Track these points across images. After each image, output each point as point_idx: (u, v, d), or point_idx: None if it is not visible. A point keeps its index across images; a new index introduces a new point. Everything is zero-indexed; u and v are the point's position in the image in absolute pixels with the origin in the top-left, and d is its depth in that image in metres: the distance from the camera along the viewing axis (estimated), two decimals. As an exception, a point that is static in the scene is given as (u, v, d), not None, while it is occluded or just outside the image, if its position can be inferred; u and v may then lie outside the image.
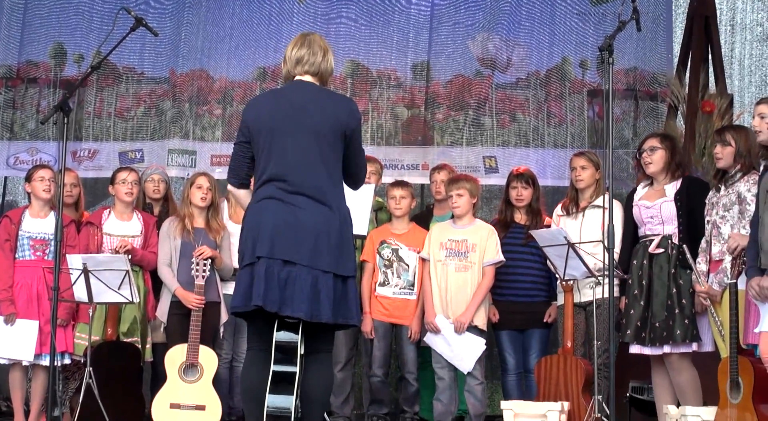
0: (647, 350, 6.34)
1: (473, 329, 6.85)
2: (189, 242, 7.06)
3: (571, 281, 6.60)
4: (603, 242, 5.88)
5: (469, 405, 6.94)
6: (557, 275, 6.63)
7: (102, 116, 8.98)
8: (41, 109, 8.91)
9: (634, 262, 6.44)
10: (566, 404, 6.32)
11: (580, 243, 6.43)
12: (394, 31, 8.97)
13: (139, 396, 6.96)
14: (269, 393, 4.79)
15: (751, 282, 5.37)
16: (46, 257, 6.88)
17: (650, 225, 6.45)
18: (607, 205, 5.84)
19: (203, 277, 6.90)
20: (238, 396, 7.14)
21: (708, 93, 8.30)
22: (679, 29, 8.89)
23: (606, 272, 5.82)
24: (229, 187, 5.11)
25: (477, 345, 6.79)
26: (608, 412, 5.84)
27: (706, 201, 6.25)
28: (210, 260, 6.96)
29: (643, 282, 6.37)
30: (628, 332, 6.35)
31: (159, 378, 6.99)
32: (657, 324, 6.28)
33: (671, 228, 6.38)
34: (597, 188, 6.97)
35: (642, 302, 6.35)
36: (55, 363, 6.37)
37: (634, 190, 6.69)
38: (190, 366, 6.76)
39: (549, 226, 7.05)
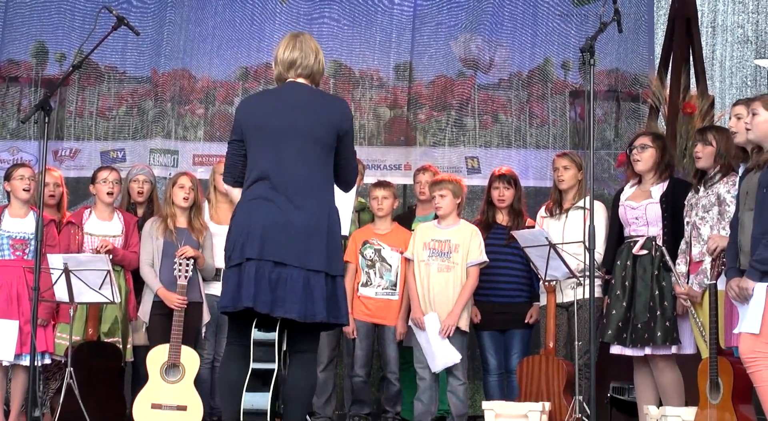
0: (628, 351, 6.36)
1: (456, 330, 6.85)
2: (171, 241, 7.05)
3: (553, 282, 6.62)
4: (584, 243, 5.89)
5: (451, 405, 6.95)
6: (539, 276, 6.64)
7: (83, 115, 8.95)
8: (22, 108, 8.87)
9: (618, 262, 6.46)
10: (547, 405, 6.33)
11: (561, 244, 6.45)
12: (376, 31, 8.97)
13: (120, 396, 6.94)
14: (246, 391, 4.80)
15: (731, 283, 5.39)
16: (25, 257, 6.84)
17: (635, 226, 6.47)
18: (588, 206, 5.85)
19: (186, 277, 6.89)
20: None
21: (689, 94, 8.33)
22: (661, 31, 8.93)
23: (587, 273, 5.84)
24: (225, 186, 5.11)
25: (451, 356, 6.80)
26: (589, 412, 5.86)
27: (686, 202, 6.28)
28: (192, 260, 6.95)
29: (626, 283, 6.39)
30: (609, 332, 6.37)
31: (140, 378, 6.98)
32: (639, 325, 6.30)
33: (656, 230, 6.40)
34: (580, 189, 6.99)
35: (624, 303, 6.37)
36: (36, 363, 6.35)
37: (622, 190, 6.71)
38: (172, 366, 6.75)
39: (531, 227, 7.07)
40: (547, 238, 6.43)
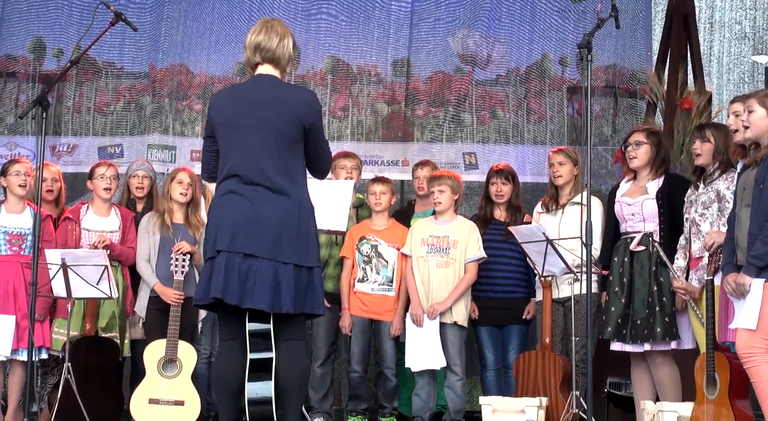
0: (629, 348, 6.37)
1: (453, 325, 6.86)
2: (168, 237, 7.05)
3: (550, 277, 6.63)
4: (581, 238, 5.90)
5: (449, 401, 6.96)
6: (536, 271, 6.65)
7: (81, 111, 8.95)
8: (20, 103, 8.87)
9: (615, 259, 6.46)
10: (544, 400, 6.34)
11: (558, 239, 6.45)
12: (374, 27, 8.98)
13: (117, 391, 6.95)
14: (248, 381, 4.84)
15: (728, 279, 5.40)
16: (22, 252, 6.84)
17: (631, 222, 6.48)
18: (585, 201, 5.86)
19: (182, 272, 6.89)
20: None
21: (687, 90, 8.35)
22: (659, 27, 8.94)
23: (584, 268, 5.85)
24: (204, 181, 5.19)
25: (437, 361, 6.81)
26: (586, 407, 5.87)
27: (685, 198, 6.28)
28: (189, 256, 6.95)
29: (624, 279, 6.40)
30: (609, 329, 6.37)
31: (138, 373, 6.99)
32: (638, 322, 6.31)
33: (652, 226, 6.41)
34: (576, 185, 6.99)
35: (623, 300, 6.38)
36: (33, 358, 6.35)
37: (617, 186, 6.71)
38: (169, 362, 6.75)
39: (529, 222, 7.07)
40: (544, 233, 6.43)
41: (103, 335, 6.95)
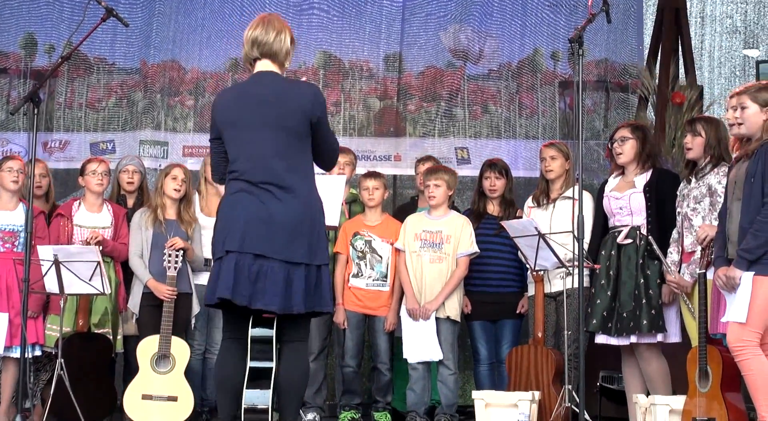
0: (613, 340, 6.38)
1: (446, 320, 6.88)
2: (161, 233, 7.05)
3: (542, 272, 6.64)
4: (573, 233, 5.91)
5: (441, 395, 6.97)
6: (528, 266, 6.66)
7: (73, 107, 8.93)
8: (11, 99, 8.85)
9: (603, 252, 6.48)
10: (537, 394, 6.36)
11: (550, 234, 6.47)
12: (366, 22, 8.97)
13: (110, 388, 6.95)
14: (246, 388, 4.83)
15: (718, 272, 5.42)
16: (15, 249, 6.84)
17: (619, 216, 6.49)
18: (577, 196, 5.87)
19: (175, 268, 6.89)
20: (211, 387, 7.15)
21: (678, 84, 8.36)
22: (650, 21, 8.95)
23: (576, 263, 5.86)
24: (216, 184, 5.15)
25: (434, 353, 6.83)
26: (578, 401, 5.88)
27: (678, 193, 6.29)
28: (182, 252, 6.95)
29: (611, 272, 6.41)
30: (594, 321, 6.38)
31: (130, 369, 6.99)
32: (624, 314, 6.32)
33: (640, 219, 6.42)
34: (567, 179, 7.00)
35: (609, 293, 6.39)
36: (26, 355, 6.35)
37: (606, 181, 6.72)
38: (162, 357, 6.76)
39: (521, 217, 7.08)
40: (536, 228, 6.44)
41: (95, 331, 6.95)
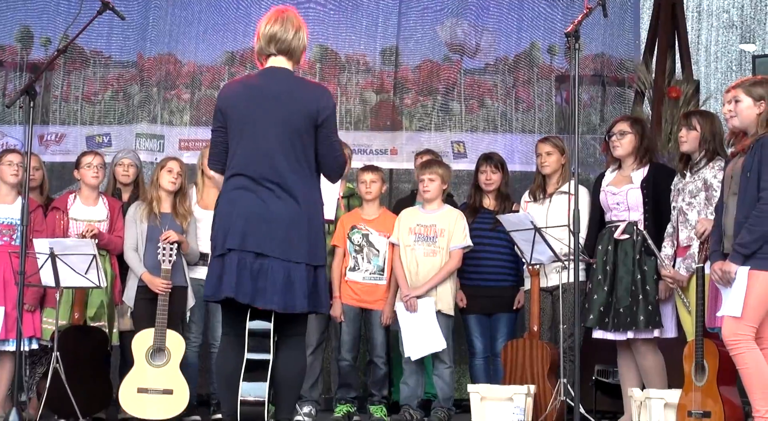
0: (610, 336, 6.39)
1: (439, 314, 6.88)
2: (156, 226, 7.04)
3: (538, 266, 6.64)
4: (569, 227, 5.91)
5: (437, 389, 6.98)
6: (524, 260, 6.66)
7: (69, 100, 8.92)
8: (7, 92, 8.83)
9: (599, 247, 6.48)
10: (532, 388, 6.37)
11: (546, 228, 6.47)
12: (362, 15, 8.96)
13: (106, 381, 6.95)
14: (243, 381, 4.83)
15: (714, 266, 5.42)
16: (12, 242, 6.84)
17: (616, 211, 6.49)
18: (573, 190, 5.87)
19: (170, 261, 6.89)
20: (204, 380, 7.17)
21: (674, 79, 8.36)
22: (647, 15, 8.94)
23: (572, 257, 5.86)
24: (212, 172, 5.10)
25: (437, 344, 6.82)
26: (573, 395, 5.89)
27: (672, 187, 6.30)
28: (177, 245, 6.95)
29: (608, 268, 6.41)
30: (591, 316, 6.39)
31: (126, 363, 6.99)
32: (621, 310, 6.33)
33: (637, 215, 6.42)
34: (563, 174, 7.01)
35: (606, 288, 6.40)
36: (22, 348, 6.35)
37: (602, 175, 6.72)
38: (158, 351, 6.76)
39: (517, 211, 7.09)
40: (532, 222, 6.44)
41: (91, 324, 6.95)
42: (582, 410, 5.85)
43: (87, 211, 7.11)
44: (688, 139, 6.22)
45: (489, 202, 7.27)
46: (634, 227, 6.37)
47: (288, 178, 4.86)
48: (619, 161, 6.58)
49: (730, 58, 9.49)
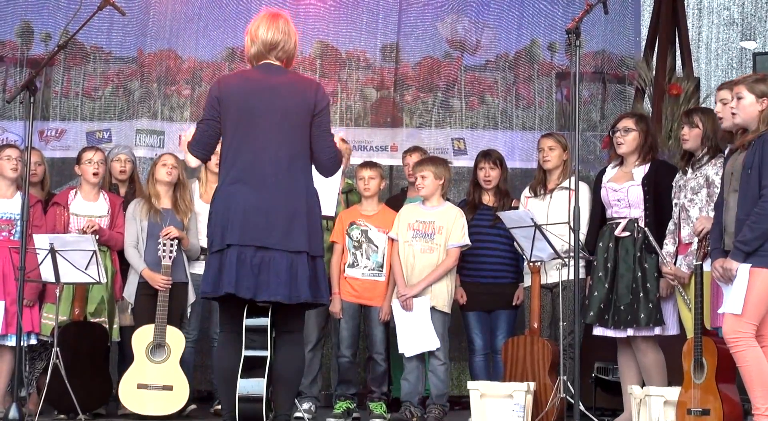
0: (610, 333, 6.39)
1: (435, 311, 6.87)
2: (156, 222, 7.04)
3: (538, 263, 6.64)
4: (569, 224, 5.91)
5: (432, 386, 6.98)
6: (524, 257, 6.66)
7: (69, 96, 8.91)
8: (7, 88, 8.82)
9: (600, 244, 6.48)
10: (532, 385, 6.37)
11: (546, 225, 6.47)
12: (363, 12, 8.95)
13: (106, 376, 6.95)
14: (240, 378, 4.83)
15: (715, 264, 5.42)
16: (11, 237, 6.84)
17: (617, 208, 6.49)
18: (573, 186, 5.87)
19: (170, 257, 6.90)
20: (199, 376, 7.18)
21: (675, 76, 8.35)
22: (647, 12, 8.94)
23: (572, 254, 5.86)
24: (190, 156, 5.09)
25: (431, 342, 6.82)
26: (573, 392, 5.90)
27: (673, 184, 6.30)
28: (177, 241, 6.95)
29: (608, 265, 6.41)
30: (591, 313, 6.39)
31: (126, 358, 6.99)
32: (622, 307, 6.33)
33: (638, 212, 6.42)
34: (565, 170, 7.01)
35: (606, 285, 6.39)
36: (22, 343, 6.35)
37: (604, 170, 6.72)
38: (158, 346, 6.76)
39: (517, 208, 7.09)
40: (532, 219, 6.44)
41: (91, 320, 6.95)
42: (582, 407, 5.86)
43: (88, 206, 7.11)
44: (690, 136, 6.22)
45: (488, 199, 7.27)
46: (635, 224, 6.37)
47: (285, 170, 4.90)
48: (621, 158, 6.58)
49: (730, 55, 9.50)
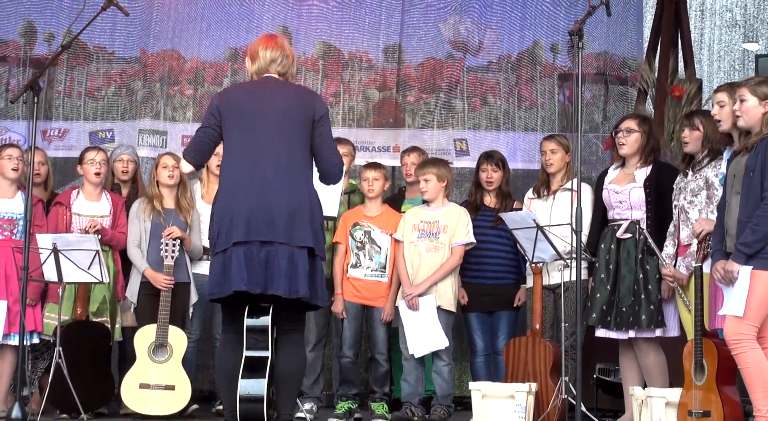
0: (613, 334, 6.40)
1: (440, 310, 6.88)
2: (159, 222, 7.06)
3: (540, 264, 6.65)
4: (571, 225, 5.92)
5: (436, 386, 6.98)
6: (526, 258, 6.67)
7: (72, 96, 8.92)
8: (11, 88, 8.84)
9: (602, 245, 6.48)
10: (534, 386, 6.37)
11: (548, 226, 6.47)
12: (365, 12, 8.96)
13: (108, 376, 6.96)
14: (241, 378, 4.85)
15: (716, 266, 5.42)
16: (13, 237, 6.85)
17: (619, 210, 6.50)
18: (576, 188, 5.88)
19: (172, 257, 6.91)
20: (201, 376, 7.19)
21: (677, 78, 8.36)
22: (650, 14, 8.95)
23: (574, 255, 5.87)
24: (184, 162, 5.25)
25: (439, 341, 6.83)
26: (575, 393, 5.90)
27: (674, 186, 6.30)
28: (179, 241, 6.96)
29: (610, 266, 6.42)
30: (593, 315, 6.40)
31: (128, 358, 7.00)
32: (623, 309, 6.34)
33: (639, 214, 6.43)
34: (568, 171, 7.01)
35: (608, 286, 6.40)
36: (24, 343, 6.36)
37: (605, 172, 6.72)
38: (160, 346, 6.77)
39: (519, 209, 7.10)
40: (534, 220, 6.45)
41: (94, 320, 6.96)
42: (583, 408, 5.87)
43: (90, 206, 7.12)
44: (691, 139, 6.23)
45: (490, 200, 7.28)
46: (637, 226, 6.38)
47: (287, 170, 4.97)
48: (623, 159, 6.58)
49: (733, 57, 9.50)
